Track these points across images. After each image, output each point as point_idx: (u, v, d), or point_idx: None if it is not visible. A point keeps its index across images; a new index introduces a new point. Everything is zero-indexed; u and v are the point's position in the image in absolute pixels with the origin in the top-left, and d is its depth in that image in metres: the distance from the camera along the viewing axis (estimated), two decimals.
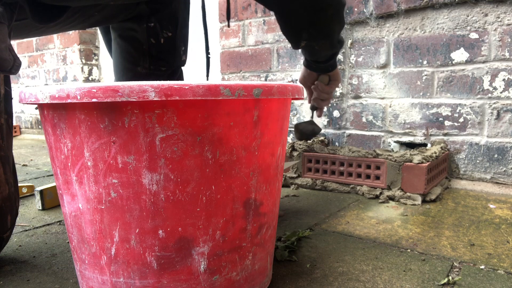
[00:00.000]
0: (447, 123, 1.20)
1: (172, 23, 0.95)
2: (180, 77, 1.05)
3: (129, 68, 0.97)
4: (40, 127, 2.76)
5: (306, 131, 1.16)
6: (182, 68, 1.05)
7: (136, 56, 0.96)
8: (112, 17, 0.91)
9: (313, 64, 1.01)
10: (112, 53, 1.01)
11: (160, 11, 0.92)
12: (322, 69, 1.02)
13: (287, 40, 1.04)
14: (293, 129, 1.55)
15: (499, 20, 1.09)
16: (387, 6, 1.25)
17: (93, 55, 2.46)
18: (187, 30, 1.02)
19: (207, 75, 1.00)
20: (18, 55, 0.65)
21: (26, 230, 0.85)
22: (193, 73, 1.85)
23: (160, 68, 0.98)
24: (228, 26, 1.02)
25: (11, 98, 0.67)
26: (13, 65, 0.59)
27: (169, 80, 0.66)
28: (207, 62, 1.00)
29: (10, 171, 0.65)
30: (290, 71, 1.53)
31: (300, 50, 0.99)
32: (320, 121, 1.47)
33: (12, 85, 2.71)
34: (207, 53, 0.99)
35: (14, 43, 2.71)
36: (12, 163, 0.67)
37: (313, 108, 1.12)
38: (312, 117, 1.15)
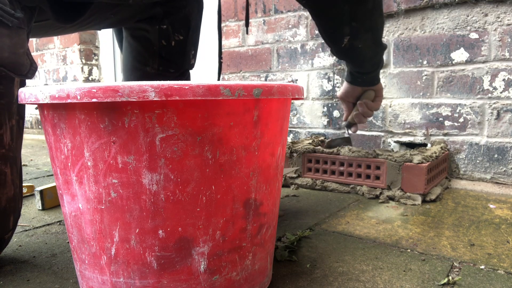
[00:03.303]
0: (447, 123, 1.20)
1: (184, 27, 0.96)
2: (188, 80, 1.06)
3: (138, 68, 0.98)
4: (40, 127, 2.76)
5: (338, 145, 1.19)
6: (190, 70, 1.07)
7: (146, 56, 0.97)
8: (127, 19, 0.92)
9: (358, 76, 1.03)
10: (123, 52, 1.02)
11: (174, 14, 0.94)
12: (367, 82, 1.04)
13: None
14: (293, 129, 1.55)
15: (499, 20, 1.09)
16: (387, 6, 1.25)
17: (93, 55, 2.46)
18: (198, 35, 1.03)
19: (218, 79, 1.02)
20: None
21: (26, 230, 0.85)
22: (198, 74, 1.84)
23: (168, 70, 0.99)
24: (247, 33, 1.05)
25: None
26: (30, 69, 0.61)
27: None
28: (219, 67, 1.02)
29: (17, 173, 0.65)
30: (290, 71, 1.53)
31: (341, 59, 1.00)
32: (320, 121, 1.47)
33: None
34: (220, 57, 1.02)
35: None
36: (19, 164, 0.66)
37: (348, 125, 1.14)
38: (348, 134, 1.18)
